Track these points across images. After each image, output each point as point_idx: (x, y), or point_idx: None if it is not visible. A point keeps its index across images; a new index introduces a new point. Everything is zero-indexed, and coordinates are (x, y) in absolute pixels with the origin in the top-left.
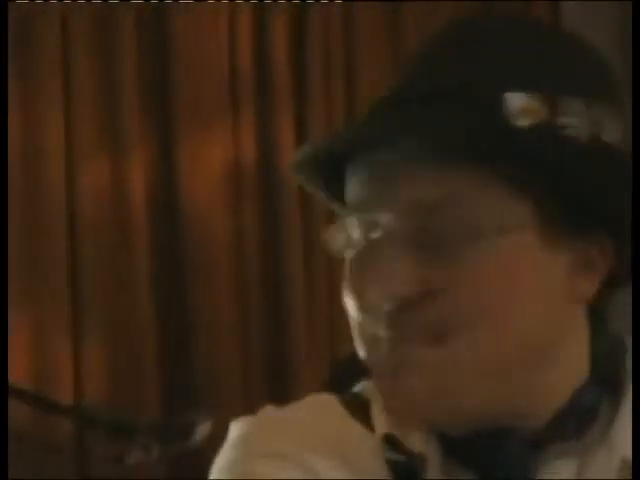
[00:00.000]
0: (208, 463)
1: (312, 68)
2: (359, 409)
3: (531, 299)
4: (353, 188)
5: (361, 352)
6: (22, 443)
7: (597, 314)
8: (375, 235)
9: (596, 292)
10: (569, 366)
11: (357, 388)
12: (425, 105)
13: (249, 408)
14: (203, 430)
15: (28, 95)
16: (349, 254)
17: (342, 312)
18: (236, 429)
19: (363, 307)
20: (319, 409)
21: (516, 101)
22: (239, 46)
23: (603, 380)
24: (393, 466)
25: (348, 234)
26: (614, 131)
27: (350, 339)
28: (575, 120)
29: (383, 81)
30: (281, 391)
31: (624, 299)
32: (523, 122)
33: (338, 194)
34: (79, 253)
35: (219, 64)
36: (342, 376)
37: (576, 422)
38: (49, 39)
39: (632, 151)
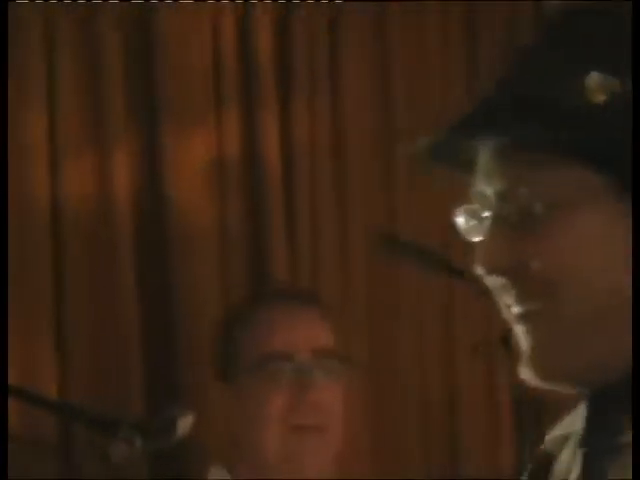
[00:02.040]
0: (190, 457)
1: (296, 65)
2: None
3: (613, 258)
4: (475, 178)
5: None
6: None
7: None
8: (486, 215)
9: None
10: None
11: None
12: (513, 108)
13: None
14: (185, 424)
15: (12, 93)
16: (476, 236)
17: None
18: None
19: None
20: None
21: (593, 79)
22: (223, 43)
23: None
24: None
25: (472, 218)
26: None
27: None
28: (627, 94)
29: (367, 79)
30: None
31: None
32: (600, 98)
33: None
34: (63, 250)
35: (203, 61)
36: None
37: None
38: (32, 37)
39: (632, 151)
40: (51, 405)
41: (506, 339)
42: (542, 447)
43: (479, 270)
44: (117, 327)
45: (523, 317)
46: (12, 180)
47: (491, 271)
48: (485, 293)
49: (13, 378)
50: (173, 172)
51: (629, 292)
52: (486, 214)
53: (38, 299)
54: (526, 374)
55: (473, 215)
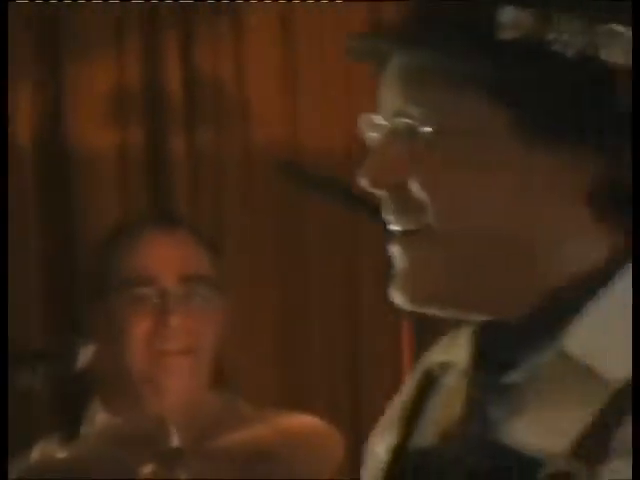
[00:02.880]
0: (90, 387)
1: None
2: None
3: (518, 196)
4: (379, 90)
5: None
6: None
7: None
8: (383, 130)
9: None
10: (565, 260)
11: None
12: (436, 20)
13: None
14: (87, 353)
15: None
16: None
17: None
18: None
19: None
20: None
21: (506, 14)
22: None
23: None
24: None
25: (373, 129)
26: (618, 53)
27: None
28: (566, 36)
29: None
30: None
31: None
32: (509, 35)
33: None
34: None
35: None
36: None
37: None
38: None
39: (632, 151)
40: None
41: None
42: (425, 368)
43: (363, 182)
44: (16, 255)
45: (399, 237)
46: None
47: (373, 185)
48: (375, 212)
49: None
50: (74, 100)
51: (519, 233)
52: (383, 125)
53: None
54: (397, 297)
55: (374, 126)
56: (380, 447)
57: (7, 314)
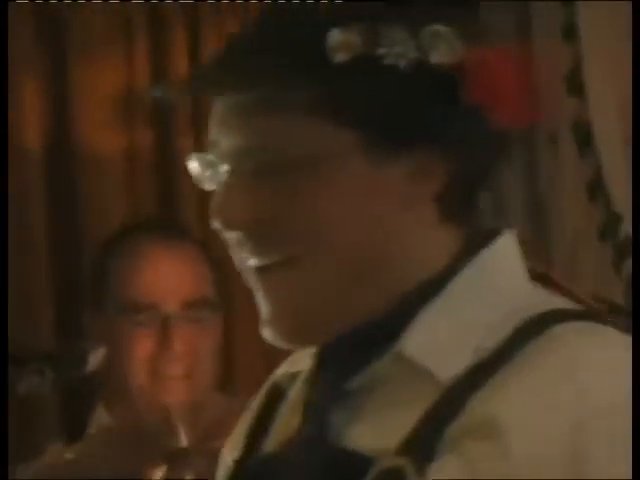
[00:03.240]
0: (100, 391)
1: None
2: None
3: (366, 212)
4: (210, 127)
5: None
6: None
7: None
8: (224, 169)
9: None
10: (413, 266)
11: None
12: (259, 53)
13: None
14: (96, 358)
15: None
16: (210, 186)
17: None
18: None
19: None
20: None
21: (333, 37)
22: None
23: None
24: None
25: (207, 168)
26: (446, 52)
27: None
28: (397, 48)
29: None
30: None
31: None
32: (342, 57)
33: None
34: None
35: None
36: None
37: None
38: None
39: (632, 150)
40: None
41: None
42: (273, 381)
43: (215, 224)
44: (24, 258)
45: (260, 272)
46: None
47: (227, 226)
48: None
49: None
50: (82, 102)
51: (376, 248)
52: (223, 166)
53: None
54: (267, 334)
55: (208, 164)
56: (229, 458)
57: (7, 316)
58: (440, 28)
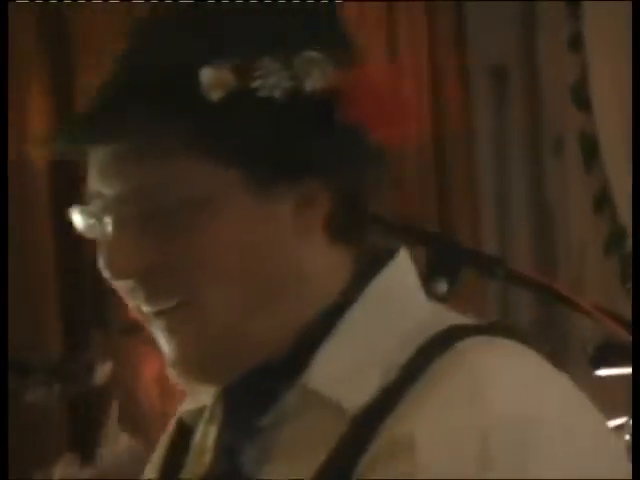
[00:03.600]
0: (108, 403)
1: None
2: None
3: (257, 248)
4: (89, 178)
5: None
6: None
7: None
8: (107, 219)
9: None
10: (311, 295)
11: None
12: (132, 101)
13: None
14: (103, 371)
15: None
16: (96, 236)
17: None
18: None
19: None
20: None
21: (206, 75)
22: None
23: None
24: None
25: (88, 219)
26: (320, 77)
27: None
28: (271, 80)
29: None
30: None
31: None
32: (216, 95)
33: None
34: None
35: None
36: None
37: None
38: None
39: (632, 151)
40: None
41: None
42: (180, 418)
43: (107, 275)
44: (34, 271)
45: (156, 316)
46: None
47: (118, 276)
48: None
49: None
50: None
51: (270, 282)
52: (106, 217)
53: None
54: (172, 374)
55: (90, 215)
56: None
57: (7, 326)
58: (312, 54)
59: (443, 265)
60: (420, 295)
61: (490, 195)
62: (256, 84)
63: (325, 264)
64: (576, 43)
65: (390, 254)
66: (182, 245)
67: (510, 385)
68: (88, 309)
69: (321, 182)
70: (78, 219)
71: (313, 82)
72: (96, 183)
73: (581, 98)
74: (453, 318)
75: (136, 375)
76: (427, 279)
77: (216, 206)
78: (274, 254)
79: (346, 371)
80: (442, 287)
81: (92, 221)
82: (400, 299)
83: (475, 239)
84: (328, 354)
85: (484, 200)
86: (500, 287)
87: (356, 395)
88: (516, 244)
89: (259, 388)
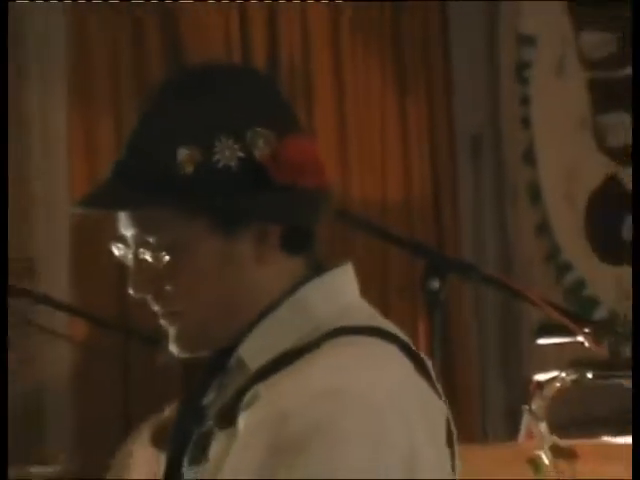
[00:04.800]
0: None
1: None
2: None
3: (225, 275)
4: (118, 225)
5: None
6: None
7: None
8: (129, 255)
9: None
10: (261, 300)
11: None
12: (126, 171)
13: None
14: None
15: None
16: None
17: None
18: None
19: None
20: None
21: (181, 154)
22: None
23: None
24: None
25: (118, 251)
26: (264, 146)
27: None
28: (226, 153)
29: None
30: None
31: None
32: (188, 169)
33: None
34: None
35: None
36: None
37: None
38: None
39: (632, 151)
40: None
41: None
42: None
43: (131, 291)
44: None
45: (166, 316)
46: None
47: (137, 293)
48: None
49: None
50: None
51: (234, 297)
52: (129, 252)
53: None
54: (173, 348)
55: (119, 249)
56: None
57: (7, 315)
58: (259, 130)
59: (436, 269)
60: (345, 297)
61: (469, 222)
62: (216, 158)
63: (277, 275)
64: (527, 122)
65: (334, 266)
66: (173, 274)
67: (328, 366)
68: None
69: (270, 222)
70: (115, 251)
71: (260, 151)
72: (120, 227)
73: (530, 159)
74: (358, 319)
75: None
76: (425, 279)
77: (194, 246)
78: (237, 277)
79: (261, 345)
80: (435, 284)
81: (122, 252)
82: (315, 304)
83: (458, 254)
84: (254, 335)
85: (465, 228)
86: (475, 286)
87: (257, 362)
88: (487, 255)
89: (216, 364)
